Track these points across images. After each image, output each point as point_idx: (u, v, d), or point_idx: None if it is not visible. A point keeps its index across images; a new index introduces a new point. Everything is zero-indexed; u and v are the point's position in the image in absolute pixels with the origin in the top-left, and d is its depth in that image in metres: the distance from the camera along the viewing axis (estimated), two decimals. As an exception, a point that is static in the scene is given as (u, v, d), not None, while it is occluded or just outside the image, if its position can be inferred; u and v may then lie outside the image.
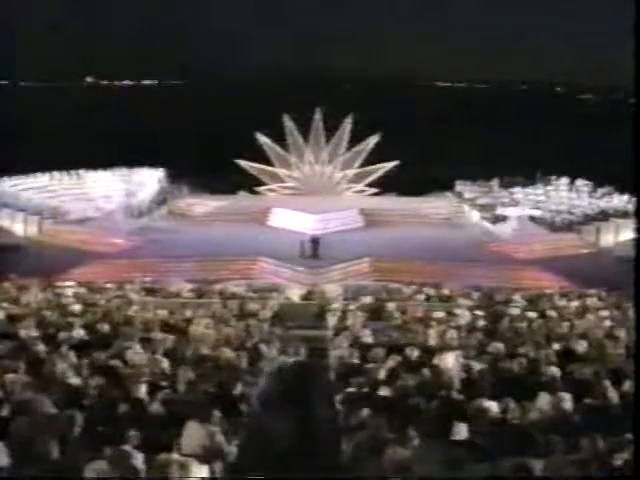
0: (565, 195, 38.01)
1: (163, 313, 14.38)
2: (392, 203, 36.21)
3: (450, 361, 10.00)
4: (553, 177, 39.24)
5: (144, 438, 6.59)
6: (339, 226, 30.97)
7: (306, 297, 20.17)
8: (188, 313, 14.43)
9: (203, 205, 34.76)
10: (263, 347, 11.85)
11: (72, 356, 9.68)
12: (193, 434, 7.02)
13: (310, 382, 11.30)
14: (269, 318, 15.12)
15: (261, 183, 38.18)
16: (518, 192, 38.51)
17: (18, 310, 14.09)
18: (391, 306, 15.85)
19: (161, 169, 39.69)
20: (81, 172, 37.58)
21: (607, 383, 8.68)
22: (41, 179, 36.60)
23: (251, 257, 25.81)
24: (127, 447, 6.29)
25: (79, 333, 11.60)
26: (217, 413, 7.46)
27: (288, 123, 37.83)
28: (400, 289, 20.09)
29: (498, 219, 32.96)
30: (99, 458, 6.07)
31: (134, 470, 6.04)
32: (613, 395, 8.46)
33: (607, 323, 13.69)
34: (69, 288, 18.62)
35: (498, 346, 11.11)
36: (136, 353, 10.10)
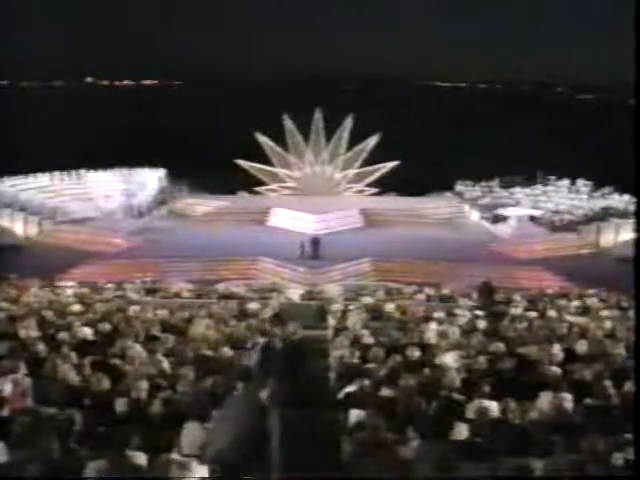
0: (565, 195, 38.07)
1: (163, 313, 14.37)
2: (392, 203, 36.21)
3: (450, 361, 10.00)
4: (553, 177, 39.31)
5: (144, 438, 6.58)
6: (339, 226, 30.98)
7: (306, 297, 20.15)
8: (188, 313, 14.42)
9: (203, 205, 34.78)
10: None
11: (72, 356, 9.67)
12: (193, 434, 7.02)
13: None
14: (269, 318, 15.10)
15: (261, 183, 38.19)
16: (518, 192, 38.57)
17: (18, 310, 14.08)
18: (391, 306, 15.84)
19: (161, 169, 39.73)
20: (81, 172, 37.64)
21: (607, 383, 8.68)
22: (41, 179, 36.66)
23: (251, 257, 25.82)
24: (127, 448, 6.29)
25: (79, 333, 11.60)
26: (217, 413, 7.46)
27: (288, 123, 37.82)
28: (400, 289, 20.08)
29: (498, 219, 32.99)
30: (99, 458, 6.07)
31: (134, 469, 6.04)
32: (613, 395, 8.46)
33: (607, 323, 13.67)
34: (69, 288, 18.62)
35: (498, 346, 11.10)
36: (136, 353, 10.09)
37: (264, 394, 7.73)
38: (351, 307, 15.86)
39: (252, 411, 7.00)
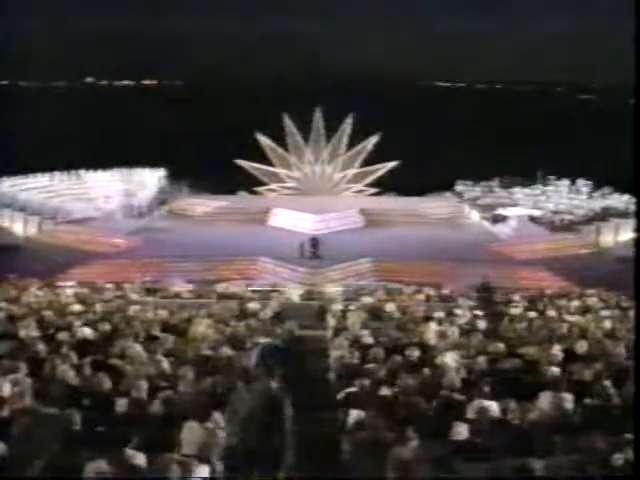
0: (565, 195, 38.07)
1: (163, 313, 14.38)
2: (392, 203, 36.21)
3: (450, 361, 9.99)
4: (553, 177, 39.30)
5: (144, 438, 6.58)
6: (339, 226, 30.98)
7: (306, 297, 20.15)
8: (188, 313, 14.43)
9: (203, 205, 34.77)
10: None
11: (72, 356, 9.67)
12: (193, 434, 7.01)
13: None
14: (269, 318, 15.10)
15: (261, 183, 38.18)
16: (518, 192, 38.57)
17: (18, 310, 14.08)
18: (391, 306, 15.85)
19: (161, 169, 39.72)
20: (81, 172, 37.63)
21: (607, 383, 8.68)
22: (41, 179, 36.66)
23: (251, 257, 25.81)
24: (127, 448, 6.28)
25: (79, 333, 11.60)
26: (217, 413, 7.45)
27: (288, 123, 37.82)
28: (400, 289, 20.08)
29: (498, 219, 32.99)
30: (99, 458, 6.06)
31: (134, 469, 6.04)
32: (613, 395, 8.45)
33: (607, 323, 13.68)
34: (69, 288, 18.62)
35: (498, 346, 11.10)
36: (136, 353, 10.09)
37: (273, 385, 7.65)
38: (351, 307, 15.88)
39: (261, 404, 6.96)
